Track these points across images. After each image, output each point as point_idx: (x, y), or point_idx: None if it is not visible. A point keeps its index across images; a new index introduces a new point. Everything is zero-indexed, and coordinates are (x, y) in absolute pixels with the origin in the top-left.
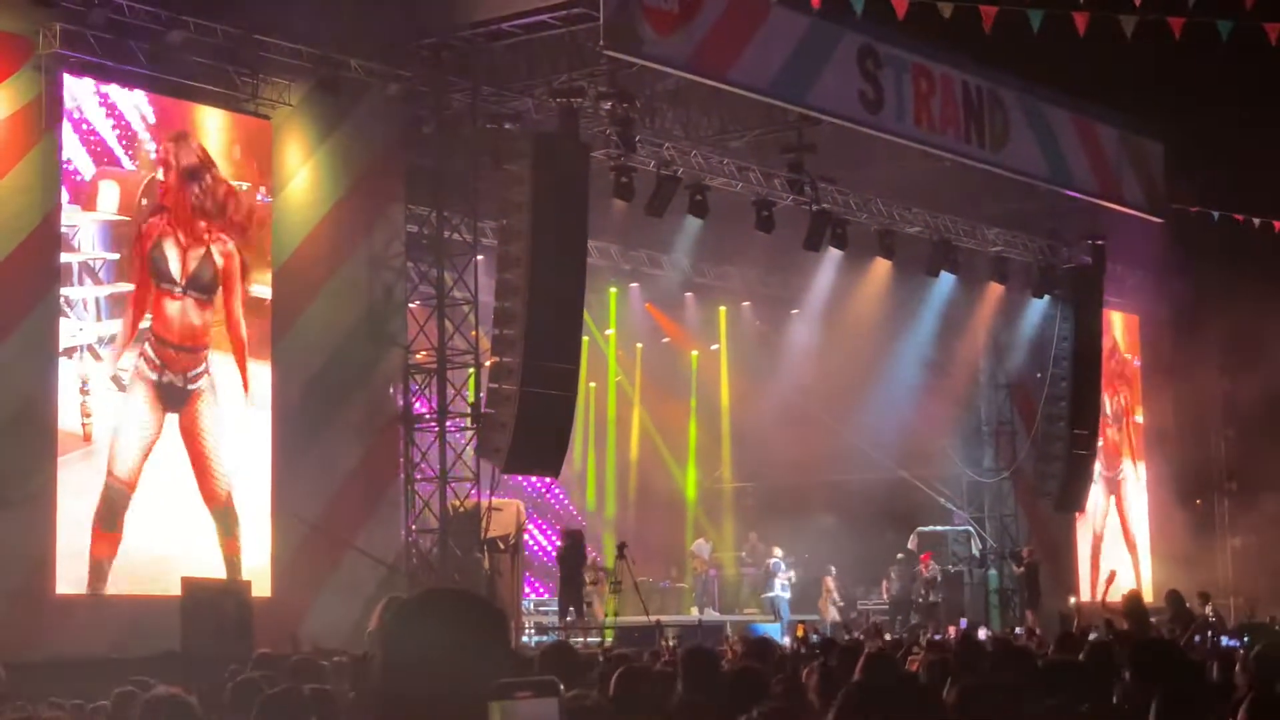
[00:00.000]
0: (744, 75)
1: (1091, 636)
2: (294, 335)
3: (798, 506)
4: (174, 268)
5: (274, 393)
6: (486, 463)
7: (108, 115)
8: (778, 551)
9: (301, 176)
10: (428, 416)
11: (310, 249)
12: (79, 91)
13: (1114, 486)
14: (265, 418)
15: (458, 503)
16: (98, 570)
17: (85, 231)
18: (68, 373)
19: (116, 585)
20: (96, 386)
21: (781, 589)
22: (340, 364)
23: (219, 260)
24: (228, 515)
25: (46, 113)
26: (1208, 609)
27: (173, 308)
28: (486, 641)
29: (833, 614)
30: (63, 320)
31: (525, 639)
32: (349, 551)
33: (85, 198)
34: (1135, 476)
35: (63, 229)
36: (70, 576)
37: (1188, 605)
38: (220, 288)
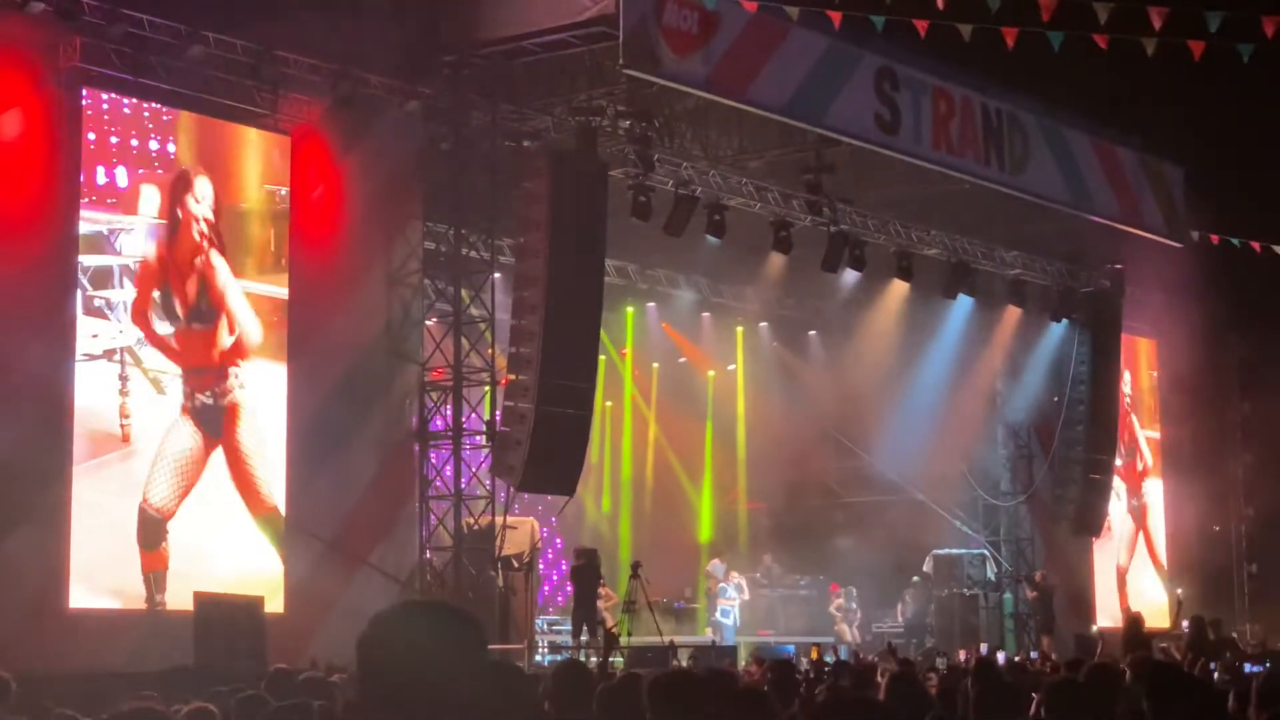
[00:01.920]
0: (762, 95)
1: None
2: (311, 350)
3: (813, 528)
4: (175, 303)
5: (289, 407)
6: (501, 481)
7: (128, 129)
8: (726, 573)
9: (320, 193)
10: (444, 434)
11: (328, 265)
12: (99, 105)
13: (1139, 512)
14: (280, 431)
15: (472, 520)
16: (152, 583)
17: (126, 236)
18: (108, 375)
19: (174, 602)
20: (136, 388)
21: (722, 614)
22: (357, 380)
23: (211, 283)
24: (276, 524)
25: (67, 126)
26: (1231, 635)
27: (182, 338)
28: (462, 650)
29: (849, 635)
30: (103, 323)
31: (538, 658)
32: (362, 568)
33: (126, 202)
34: (1156, 501)
35: (104, 232)
36: (102, 584)
37: (1205, 632)
38: (222, 309)
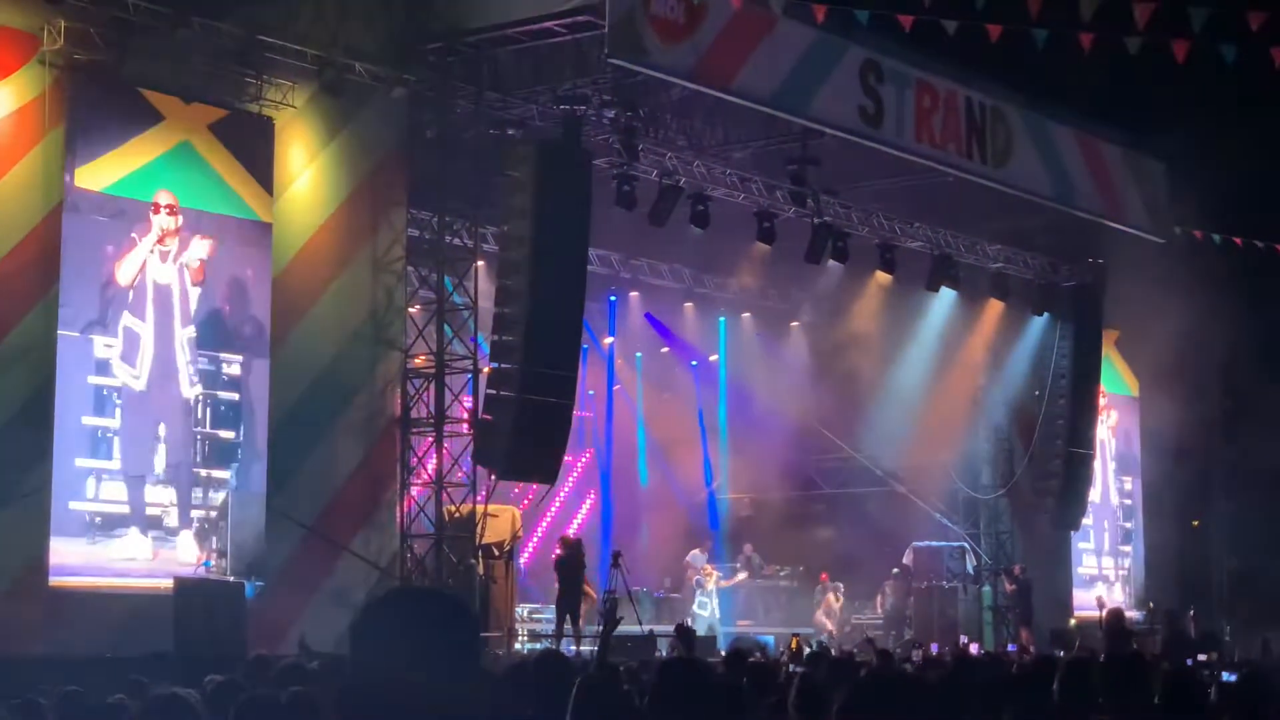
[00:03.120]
0: (747, 86)
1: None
2: (295, 337)
3: (793, 519)
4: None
5: (272, 392)
6: (483, 469)
7: (114, 113)
8: (704, 567)
9: (305, 179)
10: (426, 421)
11: (313, 251)
12: (84, 89)
13: (1114, 505)
14: (263, 417)
15: (453, 508)
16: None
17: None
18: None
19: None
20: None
21: (700, 606)
22: (340, 367)
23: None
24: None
25: (50, 110)
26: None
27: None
28: (453, 639)
29: (829, 626)
30: (77, 311)
31: (519, 647)
32: (343, 555)
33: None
34: (1134, 495)
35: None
36: (79, 573)
37: (1182, 627)
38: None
